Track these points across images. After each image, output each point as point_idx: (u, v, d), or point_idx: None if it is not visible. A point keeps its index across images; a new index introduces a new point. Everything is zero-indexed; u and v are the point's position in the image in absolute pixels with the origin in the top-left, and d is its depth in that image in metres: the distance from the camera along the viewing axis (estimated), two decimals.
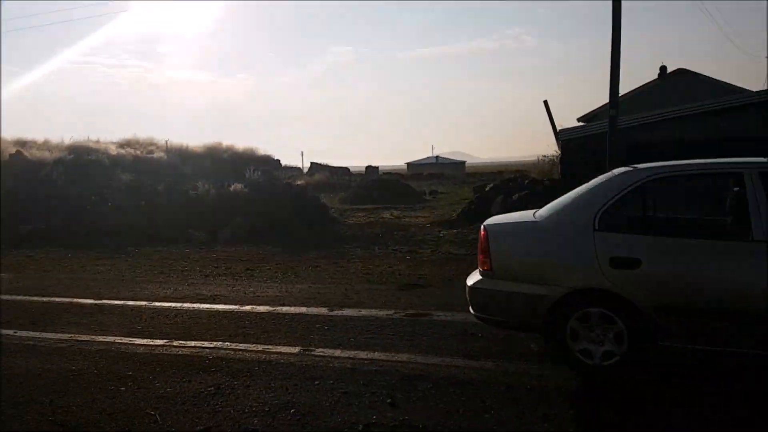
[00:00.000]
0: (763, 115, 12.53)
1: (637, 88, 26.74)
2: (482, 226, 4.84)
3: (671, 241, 4.33)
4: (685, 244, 4.28)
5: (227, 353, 5.37)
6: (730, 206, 4.91)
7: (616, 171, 4.87)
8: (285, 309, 7.06)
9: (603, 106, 21.02)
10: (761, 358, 4.08)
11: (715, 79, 25.18)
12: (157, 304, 7.59)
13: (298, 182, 23.18)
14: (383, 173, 50.28)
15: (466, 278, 5.14)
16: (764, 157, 4.55)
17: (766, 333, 3.99)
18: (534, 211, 5.10)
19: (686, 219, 5.08)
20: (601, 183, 4.72)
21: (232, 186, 17.94)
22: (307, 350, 5.37)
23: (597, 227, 4.39)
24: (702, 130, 12.78)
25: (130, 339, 5.96)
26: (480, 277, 4.78)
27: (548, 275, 4.48)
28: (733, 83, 25.45)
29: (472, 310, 4.89)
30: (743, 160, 4.43)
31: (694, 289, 4.15)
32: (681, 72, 25.89)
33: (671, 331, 4.20)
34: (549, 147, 29.85)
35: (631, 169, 4.74)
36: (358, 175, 48.96)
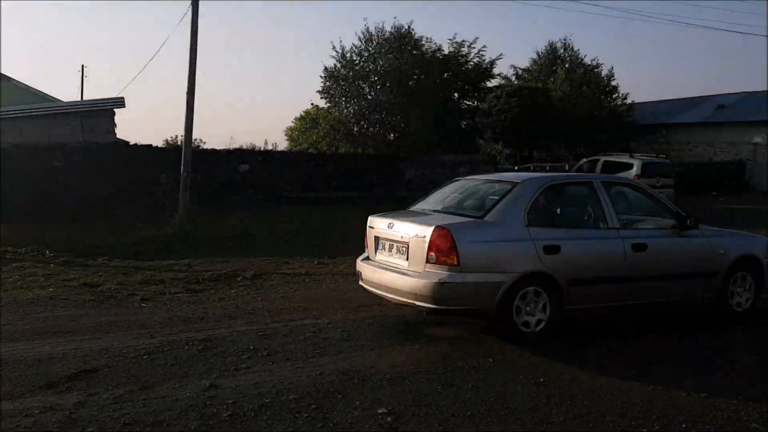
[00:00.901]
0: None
1: None
2: (443, 228, 5.38)
3: (575, 231, 5.93)
4: (582, 233, 5.95)
5: None
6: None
7: (521, 177, 6.43)
8: None
9: None
10: (627, 306, 6.14)
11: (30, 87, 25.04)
12: None
13: None
14: None
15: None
16: None
17: (626, 289, 5.94)
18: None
19: (575, 214, 6.30)
20: (517, 187, 5.86)
21: None
22: None
23: (527, 223, 5.58)
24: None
25: None
26: (445, 273, 5.32)
27: (504, 265, 5.46)
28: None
29: (430, 305, 5.39)
30: (592, 174, 6.84)
31: (588, 265, 5.78)
32: None
33: (574, 297, 5.67)
34: None
35: (535, 176, 6.38)
36: None
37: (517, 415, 4.02)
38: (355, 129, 25.32)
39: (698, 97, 35.63)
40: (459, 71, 25.93)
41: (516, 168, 28.30)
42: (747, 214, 18.70)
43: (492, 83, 28.39)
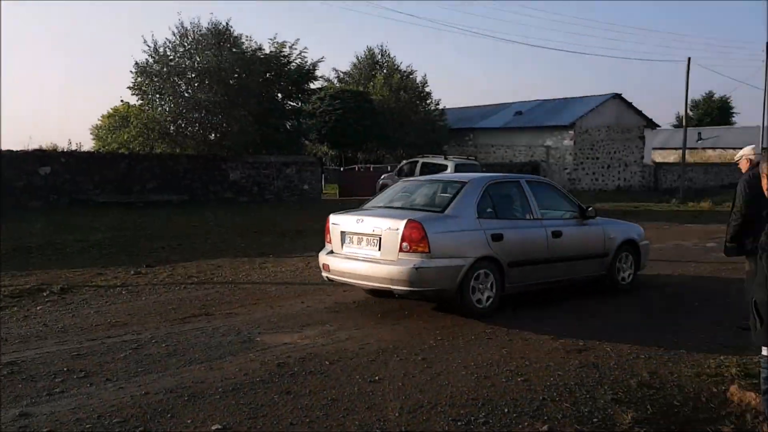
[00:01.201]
0: None
1: None
2: (415, 221, 6.28)
3: (511, 222, 7.09)
4: (516, 224, 7.14)
5: None
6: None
7: (467, 177, 7.85)
8: None
9: None
10: (549, 284, 7.41)
11: None
12: None
13: None
14: None
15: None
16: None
17: (549, 269, 7.21)
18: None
19: (510, 207, 7.33)
20: (467, 185, 6.97)
21: None
22: None
23: (477, 216, 6.68)
24: None
25: None
26: (418, 259, 6.19)
27: (463, 251, 6.48)
28: None
29: (406, 287, 6.24)
30: (518, 175, 8.66)
31: (523, 250, 6.94)
32: None
33: (512, 277, 6.79)
34: None
35: (479, 176, 7.81)
36: None
37: (355, 414, 4.06)
38: (172, 128, 23.96)
39: (500, 104, 39.08)
40: (282, 71, 25.73)
41: (342, 169, 28.85)
42: None
43: (315, 85, 28.60)
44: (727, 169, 39.04)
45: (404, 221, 6.28)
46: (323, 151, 34.41)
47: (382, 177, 23.46)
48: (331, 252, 7.16)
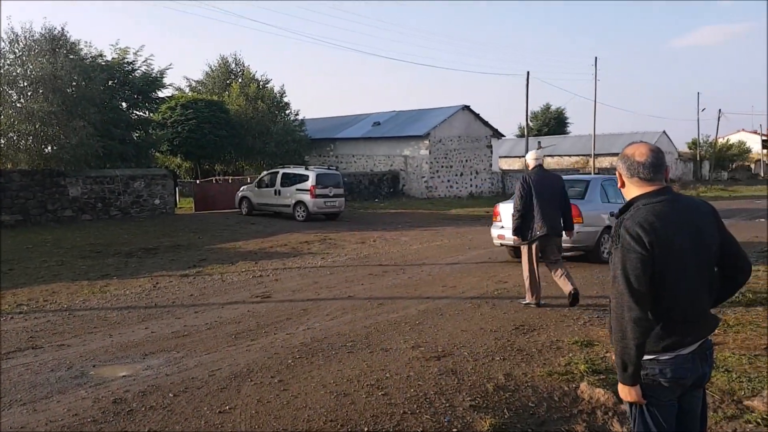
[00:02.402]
0: None
1: None
2: (573, 203, 8.74)
3: (612, 204, 10.99)
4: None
5: None
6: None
7: (588, 177, 12.62)
8: None
9: None
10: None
11: None
12: None
13: None
14: None
15: None
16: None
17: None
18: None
19: (608, 195, 11.46)
20: (591, 182, 11.69)
21: None
22: None
23: (601, 200, 11.36)
24: None
25: None
26: (577, 226, 9.19)
27: (596, 222, 10.72)
28: None
29: (568, 245, 9.59)
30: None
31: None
32: None
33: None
34: None
35: (597, 177, 12.93)
36: None
37: None
38: (3, 142, 21.44)
39: (358, 114, 39.54)
40: (126, 79, 24.02)
41: (197, 182, 27.51)
42: (405, 215, 21.35)
43: (164, 93, 27.07)
44: (564, 174, 42.46)
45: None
46: (176, 163, 32.65)
47: (242, 189, 22.67)
48: (502, 227, 10.88)
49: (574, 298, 7.19)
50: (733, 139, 68.47)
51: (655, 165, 2.54)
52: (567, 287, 7.23)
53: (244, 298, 8.21)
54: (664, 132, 53.97)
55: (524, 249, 7.54)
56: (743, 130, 76.61)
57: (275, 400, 4.48)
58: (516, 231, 7.52)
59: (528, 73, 32.40)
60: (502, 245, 11.34)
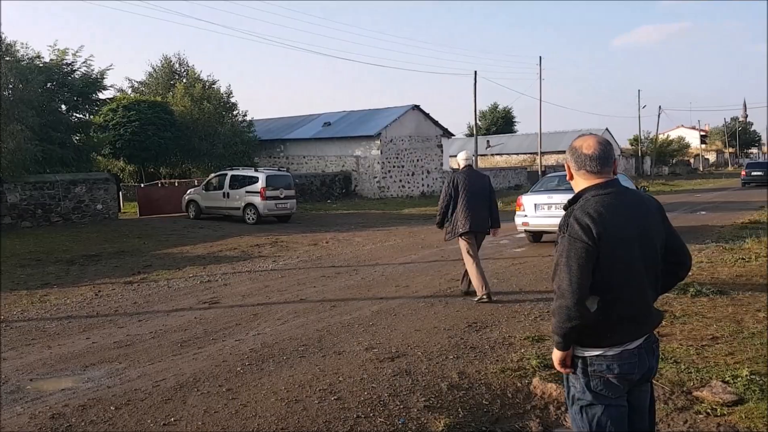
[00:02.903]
0: None
1: None
2: None
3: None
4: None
5: None
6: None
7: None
8: None
9: None
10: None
11: None
12: None
13: None
14: None
15: None
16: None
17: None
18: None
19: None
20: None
21: None
22: None
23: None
24: None
25: None
26: None
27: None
28: None
29: None
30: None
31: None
32: None
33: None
34: None
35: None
36: None
37: None
38: None
39: (308, 115, 39.20)
40: (65, 81, 23.13)
41: (142, 185, 26.76)
42: (358, 216, 21.25)
43: (106, 95, 26.19)
44: (512, 172, 43.20)
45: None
46: (119, 166, 31.64)
47: (188, 192, 22.12)
48: (525, 216, 12.57)
49: (488, 298, 7.44)
50: (673, 135, 71.06)
51: (602, 158, 2.52)
52: (480, 290, 7.49)
53: (191, 305, 7.96)
54: (607, 129, 55.52)
55: (461, 247, 7.75)
56: (682, 126, 79.61)
57: (223, 410, 4.32)
58: (439, 226, 8.05)
59: (475, 72, 32.78)
60: (526, 231, 13.16)
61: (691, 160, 76.44)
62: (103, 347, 6.06)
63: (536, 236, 13.18)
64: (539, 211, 12.23)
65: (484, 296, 7.47)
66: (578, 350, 2.51)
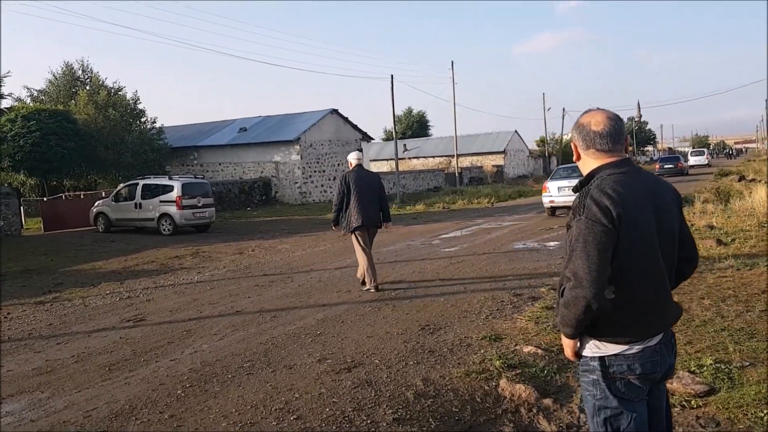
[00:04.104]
0: None
1: None
2: None
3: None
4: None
5: None
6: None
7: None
8: None
9: None
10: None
11: None
12: None
13: None
14: None
15: None
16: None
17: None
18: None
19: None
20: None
21: None
22: None
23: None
24: None
25: None
26: None
27: None
28: None
29: None
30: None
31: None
32: None
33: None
34: None
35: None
36: None
37: None
38: None
39: (222, 121, 37.97)
40: None
41: (44, 199, 24.90)
42: (281, 222, 20.62)
43: (3, 104, 24.20)
44: (431, 175, 43.65)
45: None
46: (20, 180, 29.32)
47: (96, 204, 20.73)
48: (551, 196, 17.19)
49: (376, 289, 8.11)
50: None
51: (614, 134, 2.28)
52: (369, 282, 8.15)
53: (114, 324, 7.27)
54: (516, 132, 57.31)
55: (353, 241, 8.38)
56: None
57: None
58: (334, 222, 8.61)
59: (392, 76, 32.75)
60: (551, 207, 17.55)
61: None
62: (20, 375, 5.34)
63: (553, 211, 17.66)
64: (561, 192, 16.64)
65: (372, 287, 8.13)
66: (594, 349, 2.28)
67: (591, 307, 2.12)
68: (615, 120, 2.31)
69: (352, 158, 8.61)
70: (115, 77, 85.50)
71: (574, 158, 2.43)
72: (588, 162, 2.34)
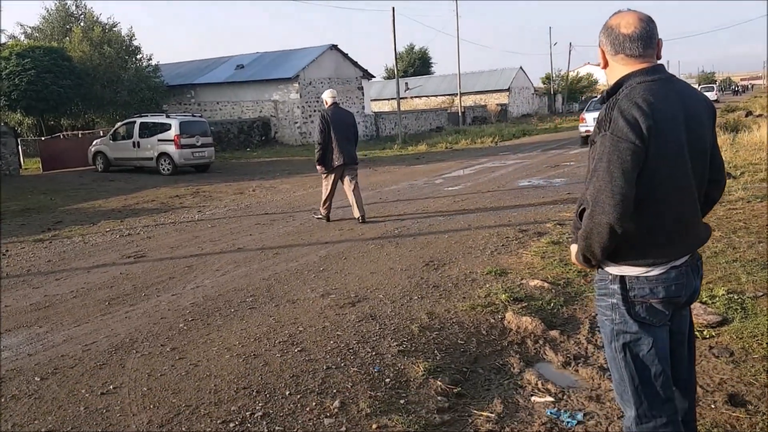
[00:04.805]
0: None
1: None
2: None
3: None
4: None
5: None
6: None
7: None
8: None
9: None
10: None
11: None
12: None
13: None
14: None
15: None
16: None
17: None
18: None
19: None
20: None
21: None
22: None
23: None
24: None
25: None
26: None
27: None
28: None
29: None
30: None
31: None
32: None
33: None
34: None
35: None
36: None
37: None
38: None
39: (219, 57, 37.04)
40: None
41: (43, 139, 24.60)
42: (282, 163, 20.41)
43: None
44: (433, 114, 42.98)
45: None
46: (17, 119, 28.90)
47: (94, 143, 20.46)
48: (587, 126, 18.66)
49: (362, 220, 8.50)
50: (582, 71, 72.81)
51: (645, 37, 2.05)
52: (356, 213, 8.52)
53: (114, 260, 7.20)
54: (521, 68, 56.08)
55: (326, 179, 8.58)
56: (589, 63, 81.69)
57: (171, 372, 3.79)
58: (319, 161, 8.52)
59: (393, 9, 31.70)
60: (588, 137, 20.36)
61: (599, 96, 79.16)
62: (18, 311, 5.28)
63: (587, 141, 19.99)
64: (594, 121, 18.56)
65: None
66: (613, 266, 2.13)
67: (616, 232, 1.97)
68: (647, 22, 2.08)
69: (327, 96, 8.72)
70: (109, 13, 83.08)
71: (601, 65, 2.22)
72: (616, 69, 2.13)
